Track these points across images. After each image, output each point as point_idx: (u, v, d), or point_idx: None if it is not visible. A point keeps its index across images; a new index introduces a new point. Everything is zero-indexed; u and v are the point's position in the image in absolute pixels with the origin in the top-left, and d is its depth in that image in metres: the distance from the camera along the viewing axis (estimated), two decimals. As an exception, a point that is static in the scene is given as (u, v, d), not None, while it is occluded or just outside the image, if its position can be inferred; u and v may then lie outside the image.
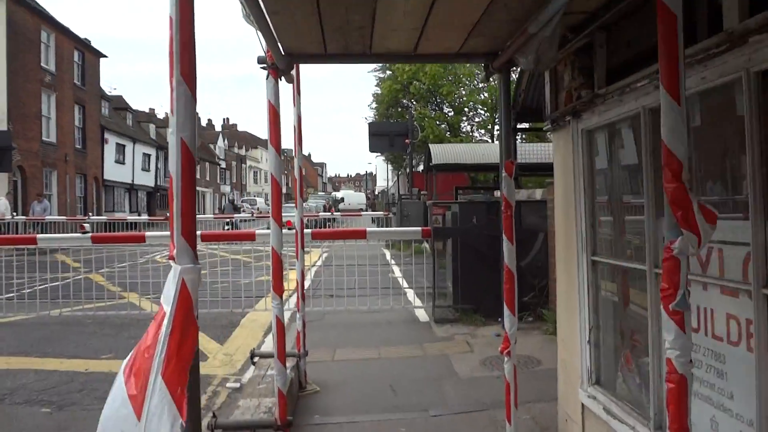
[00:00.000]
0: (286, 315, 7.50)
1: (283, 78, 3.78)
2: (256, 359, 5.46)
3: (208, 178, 57.69)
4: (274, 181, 3.72)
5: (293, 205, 37.98)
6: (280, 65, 3.61)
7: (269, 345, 6.99)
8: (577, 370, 3.69)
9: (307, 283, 11.32)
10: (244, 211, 24.65)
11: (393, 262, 15.84)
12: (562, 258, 4.01)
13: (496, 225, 7.68)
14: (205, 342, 6.97)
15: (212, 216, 25.33)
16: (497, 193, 14.91)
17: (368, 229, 7.69)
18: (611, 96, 3.17)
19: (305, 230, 7.75)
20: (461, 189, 19.00)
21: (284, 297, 4.95)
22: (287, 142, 5.49)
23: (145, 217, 28.17)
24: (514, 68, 4.00)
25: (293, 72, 4.18)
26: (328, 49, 3.50)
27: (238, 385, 5.34)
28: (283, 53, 3.55)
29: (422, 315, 8.15)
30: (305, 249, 6.75)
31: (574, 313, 3.72)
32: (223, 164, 65.37)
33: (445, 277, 8.67)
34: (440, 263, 8.35)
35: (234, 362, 6.23)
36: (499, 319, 7.87)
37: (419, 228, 7.79)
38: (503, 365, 3.47)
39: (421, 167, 27.52)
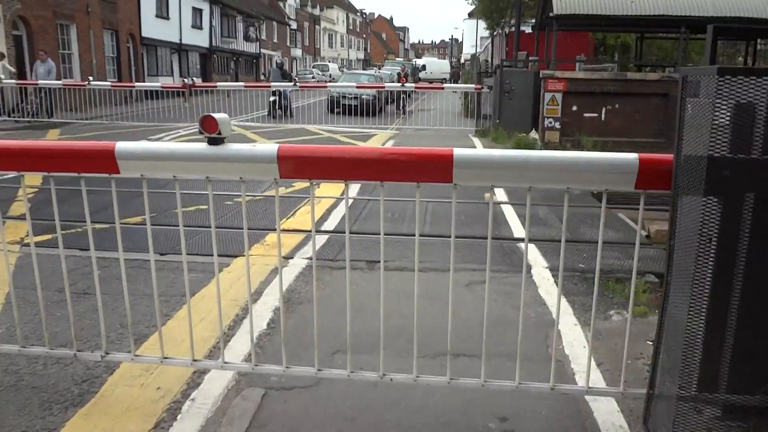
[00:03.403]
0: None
1: None
2: None
3: (275, 40, 51.98)
4: None
5: (370, 71, 31.56)
6: None
7: None
8: None
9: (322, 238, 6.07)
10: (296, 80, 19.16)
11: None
12: None
13: None
14: None
15: (243, 84, 20.05)
16: None
17: (457, 151, 2.30)
18: None
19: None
20: None
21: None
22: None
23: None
24: None
25: None
26: None
27: None
28: None
29: (611, 419, 2.89)
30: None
31: None
32: (294, 25, 59.08)
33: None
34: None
35: None
36: None
37: (630, 157, 2.27)
38: None
39: (527, 29, 20.78)
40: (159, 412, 2.74)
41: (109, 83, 17.01)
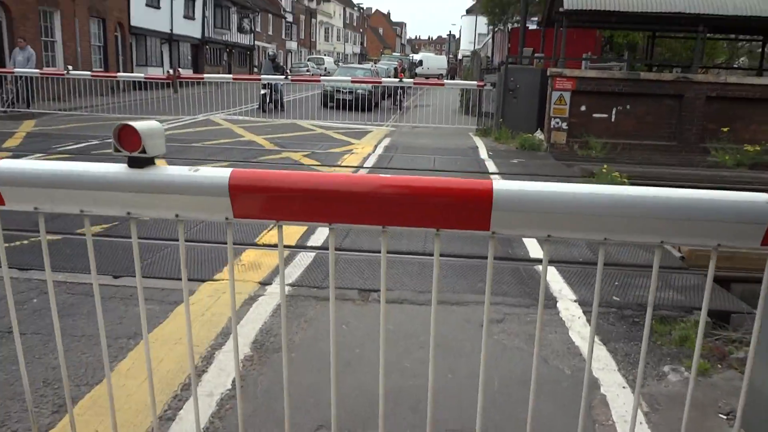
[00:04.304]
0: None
1: None
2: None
3: (270, 32, 50.94)
4: None
5: (366, 66, 30.79)
6: None
7: None
8: None
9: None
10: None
11: (495, 169, 9.66)
12: None
13: None
14: None
15: (231, 76, 19.13)
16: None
17: (498, 185, 1.56)
18: None
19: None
20: None
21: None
22: None
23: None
24: None
25: None
26: None
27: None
28: None
29: None
30: None
31: None
32: (290, 17, 58.05)
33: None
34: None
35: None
36: None
37: (760, 200, 1.55)
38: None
39: (531, 25, 19.97)
40: None
41: (89, 73, 16.07)
